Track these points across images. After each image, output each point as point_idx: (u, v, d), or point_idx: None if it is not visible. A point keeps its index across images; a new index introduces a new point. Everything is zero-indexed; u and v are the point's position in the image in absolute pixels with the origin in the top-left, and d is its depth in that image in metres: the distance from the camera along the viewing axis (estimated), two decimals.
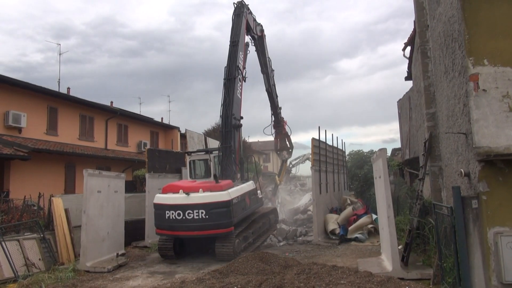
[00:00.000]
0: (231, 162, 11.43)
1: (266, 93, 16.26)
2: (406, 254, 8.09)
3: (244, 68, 12.98)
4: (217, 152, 11.83)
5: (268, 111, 18.58)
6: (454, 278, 6.01)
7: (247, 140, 45.61)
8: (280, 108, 16.88)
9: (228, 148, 11.40)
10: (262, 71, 15.44)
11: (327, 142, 15.38)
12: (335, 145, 17.11)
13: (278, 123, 17.06)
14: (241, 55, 12.61)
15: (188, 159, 12.40)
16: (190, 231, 9.80)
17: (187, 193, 9.92)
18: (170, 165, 14.81)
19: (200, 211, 9.65)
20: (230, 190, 10.14)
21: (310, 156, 13.76)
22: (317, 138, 13.93)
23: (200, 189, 9.96)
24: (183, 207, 9.78)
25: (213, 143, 17.27)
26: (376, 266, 8.19)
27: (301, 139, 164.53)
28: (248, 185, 11.83)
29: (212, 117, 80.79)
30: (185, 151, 14.24)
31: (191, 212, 9.70)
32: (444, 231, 6.42)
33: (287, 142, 18.07)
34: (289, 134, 17.75)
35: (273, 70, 16.04)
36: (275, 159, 57.44)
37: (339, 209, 14.91)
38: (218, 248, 10.00)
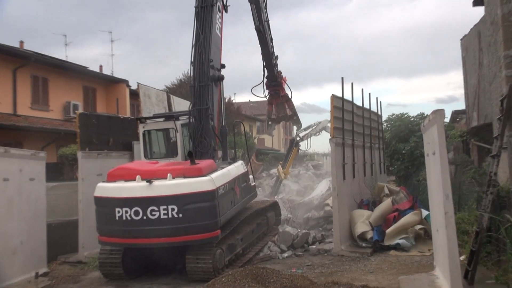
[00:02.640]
0: (209, 133, 11.42)
1: (255, 32, 15.78)
2: (472, 268, 8.10)
3: None
4: (186, 117, 11.72)
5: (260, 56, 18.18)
6: None
7: (233, 100, 45.00)
8: (277, 58, 16.74)
9: (204, 111, 11.37)
10: None
11: (354, 101, 15.09)
12: (366, 106, 16.74)
13: (274, 80, 16.92)
14: None
15: (141, 128, 12.32)
16: (155, 237, 9.75)
17: (149, 181, 9.80)
18: (115, 139, 14.58)
19: (170, 207, 9.59)
20: (214, 175, 10.14)
21: (328, 125, 13.86)
22: (339, 95, 13.63)
23: (169, 174, 9.87)
24: (144, 202, 9.68)
25: (181, 105, 17.19)
26: (427, 286, 8.25)
27: (313, 98, 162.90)
28: (237, 168, 11.84)
29: (177, 65, 79.70)
30: (138, 116, 13.93)
31: (155, 209, 9.62)
32: None
33: (288, 109, 18.03)
34: (289, 96, 17.83)
35: None
36: (276, 128, 56.69)
37: (373, 203, 14.72)
38: (191, 263, 9.94)
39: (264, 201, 14.63)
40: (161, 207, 9.62)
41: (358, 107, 15.73)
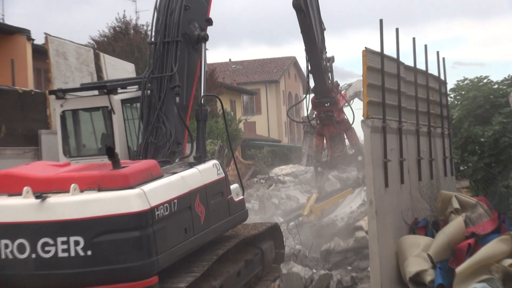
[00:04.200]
0: (171, 115, 11.39)
1: None
2: None
3: None
4: (135, 89, 11.73)
5: None
6: None
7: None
8: (332, 59, 16.39)
9: (167, 81, 11.38)
10: None
11: (401, 59, 13.61)
12: (420, 66, 15.03)
13: (325, 96, 16.38)
14: None
15: (58, 107, 11.96)
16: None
17: (41, 196, 8.99)
18: (10, 126, 14.24)
19: (73, 239, 9.03)
20: (148, 187, 9.37)
21: (362, 89, 13.19)
22: (376, 50, 12.37)
23: (73, 185, 9.07)
24: (32, 231, 9.10)
25: (117, 69, 16.36)
26: None
27: (332, 55, 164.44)
28: (204, 172, 11.21)
29: (110, 4, 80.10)
30: (50, 89, 13.53)
31: (50, 242, 9.02)
32: None
33: (351, 141, 17.70)
34: (351, 122, 17.23)
35: None
36: (274, 107, 56.24)
37: (434, 224, 13.82)
38: None
39: (256, 224, 13.74)
40: (59, 240, 8.95)
41: (407, 68, 14.22)
